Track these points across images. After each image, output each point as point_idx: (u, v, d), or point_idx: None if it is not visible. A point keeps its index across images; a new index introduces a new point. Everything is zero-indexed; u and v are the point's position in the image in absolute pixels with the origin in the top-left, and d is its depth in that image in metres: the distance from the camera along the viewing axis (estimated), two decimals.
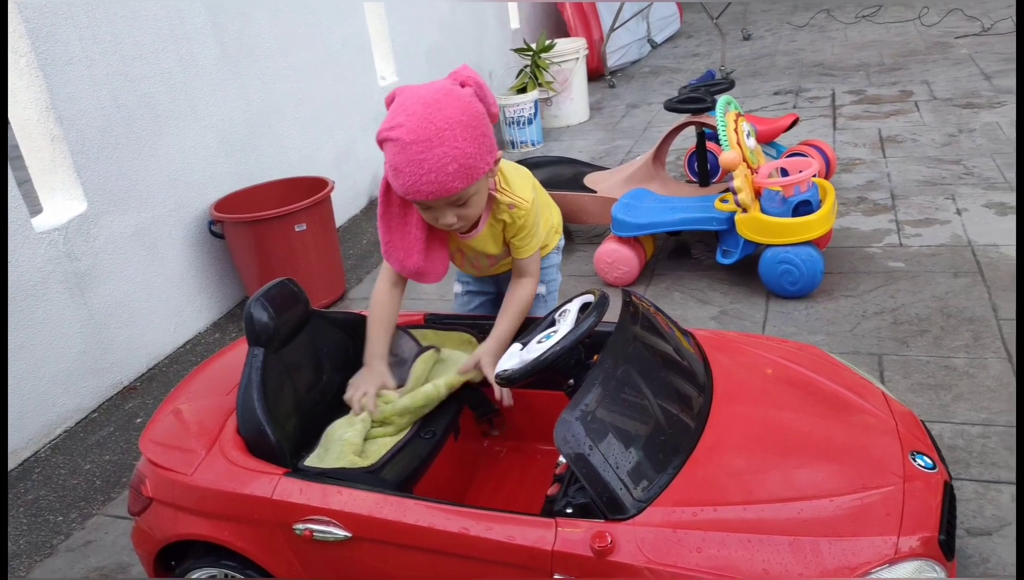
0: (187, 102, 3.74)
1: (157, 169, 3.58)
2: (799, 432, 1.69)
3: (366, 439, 1.94)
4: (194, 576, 1.89)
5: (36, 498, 2.83)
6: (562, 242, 2.42)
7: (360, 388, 1.97)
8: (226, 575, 1.85)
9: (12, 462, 2.98)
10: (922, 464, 1.63)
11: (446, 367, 2.10)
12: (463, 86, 1.80)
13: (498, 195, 1.97)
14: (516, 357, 1.81)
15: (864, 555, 1.42)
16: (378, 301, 2.09)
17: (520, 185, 2.02)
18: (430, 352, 2.11)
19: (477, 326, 2.24)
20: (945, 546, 1.49)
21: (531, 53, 6.04)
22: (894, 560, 1.42)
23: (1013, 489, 2.12)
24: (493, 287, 2.45)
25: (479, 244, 2.08)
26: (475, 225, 2.01)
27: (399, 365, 2.10)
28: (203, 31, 3.83)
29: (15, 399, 2.98)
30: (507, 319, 2.08)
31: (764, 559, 1.41)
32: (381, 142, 1.76)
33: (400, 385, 2.04)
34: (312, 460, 1.88)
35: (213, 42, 3.89)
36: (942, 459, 1.71)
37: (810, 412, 1.75)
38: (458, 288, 2.50)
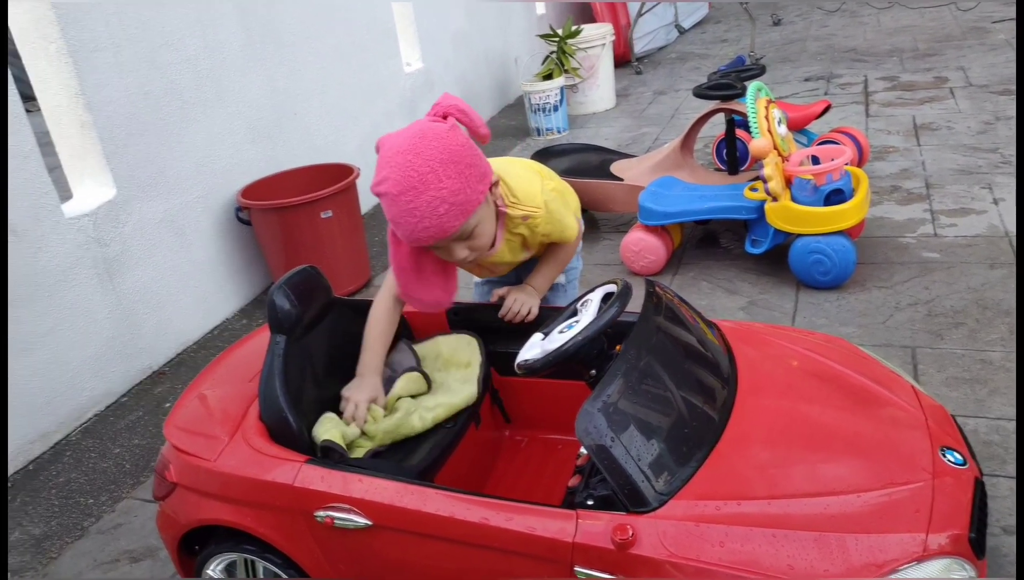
0: (213, 89, 3.76)
1: (184, 156, 3.61)
2: (826, 426, 1.65)
3: (348, 445, 1.90)
4: (216, 562, 1.90)
5: (67, 480, 2.88)
6: (582, 227, 2.37)
7: (351, 400, 1.94)
8: (247, 560, 1.87)
9: (44, 445, 3.04)
10: (952, 460, 1.58)
11: (439, 390, 2.08)
12: (445, 117, 1.76)
13: (509, 210, 1.92)
14: (538, 346, 1.79)
15: (892, 552, 1.38)
16: (377, 316, 2.05)
17: (528, 193, 1.95)
18: (415, 374, 2.07)
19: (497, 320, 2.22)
20: (975, 544, 1.45)
21: (557, 39, 5.98)
22: (922, 558, 1.39)
23: None
24: (514, 278, 2.43)
25: (498, 258, 2.05)
26: (492, 245, 1.96)
27: (391, 380, 2.06)
28: (229, 17, 3.84)
29: (45, 384, 3.03)
30: (545, 267, 2.14)
31: (789, 554, 1.38)
32: (376, 196, 1.74)
33: None
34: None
35: (239, 28, 3.90)
36: (973, 455, 1.67)
37: (837, 406, 1.71)
38: (477, 278, 2.48)
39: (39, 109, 3.21)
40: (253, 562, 1.87)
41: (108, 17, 3.21)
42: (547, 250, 2.17)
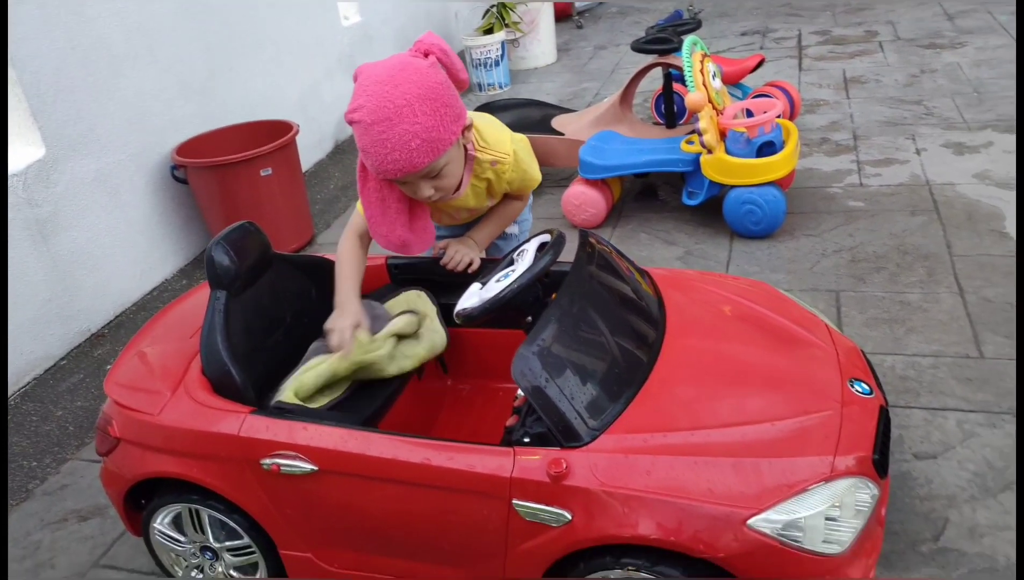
0: (144, 43, 3.66)
1: (116, 112, 3.52)
2: (746, 363, 1.75)
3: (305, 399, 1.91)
4: (162, 514, 1.94)
5: (9, 445, 2.85)
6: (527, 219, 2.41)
7: (335, 329, 1.93)
8: (191, 509, 1.90)
9: None
10: (860, 390, 1.70)
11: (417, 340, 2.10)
12: (426, 55, 1.76)
13: (478, 154, 1.95)
14: (476, 296, 1.84)
15: (802, 474, 1.50)
16: (345, 257, 2.05)
17: (497, 139, 1.98)
18: (410, 316, 2.09)
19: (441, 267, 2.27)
20: (879, 465, 1.57)
21: None
22: (830, 478, 1.50)
23: (958, 415, 2.23)
24: (461, 231, 2.46)
25: (461, 202, 2.06)
26: (457, 188, 1.98)
27: (372, 321, 2.07)
28: None
29: None
30: (489, 223, 2.17)
31: (708, 479, 1.48)
32: (349, 124, 1.75)
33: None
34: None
35: None
36: (879, 385, 1.79)
37: (757, 344, 1.82)
38: None
39: None
40: (197, 510, 1.90)
41: None
42: (496, 206, 2.19)
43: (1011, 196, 3.27)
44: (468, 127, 1.85)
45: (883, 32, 5.72)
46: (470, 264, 2.13)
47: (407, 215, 1.95)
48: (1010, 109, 4.09)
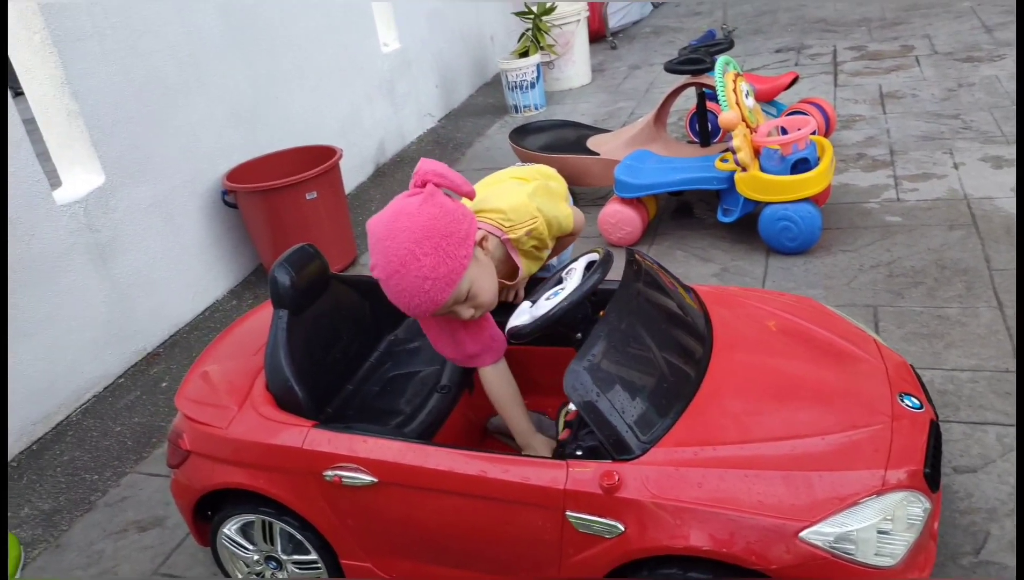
0: (195, 74, 3.82)
1: (169, 141, 3.67)
2: (793, 377, 1.80)
3: None
4: (232, 522, 2.02)
5: (71, 459, 2.97)
6: (578, 214, 2.43)
7: None
8: (264, 522, 1.99)
9: (45, 426, 3.13)
10: (910, 405, 1.74)
11: None
12: (423, 185, 1.78)
13: (511, 233, 1.98)
14: (527, 314, 1.91)
15: (853, 487, 1.54)
16: (498, 388, 2.03)
17: (518, 208, 1.99)
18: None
19: None
20: (930, 479, 1.61)
21: (532, 16, 6.05)
22: (881, 491, 1.54)
23: (998, 430, 2.24)
24: None
25: (527, 274, 2.11)
26: (513, 268, 2.05)
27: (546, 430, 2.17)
28: (207, 3, 3.88)
29: (45, 367, 3.11)
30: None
31: (759, 491, 1.53)
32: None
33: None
34: None
35: (217, 13, 3.95)
36: (929, 400, 1.83)
37: (805, 359, 1.86)
38: None
39: (19, 95, 3.26)
40: (271, 523, 1.99)
41: (91, 6, 3.26)
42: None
43: None
44: (482, 240, 1.87)
45: (919, 46, 5.72)
46: (516, 295, 2.16)
47: (466, 331, 1.97)
48: None
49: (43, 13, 3.06)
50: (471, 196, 1.85)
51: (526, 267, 2.10)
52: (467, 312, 1.86)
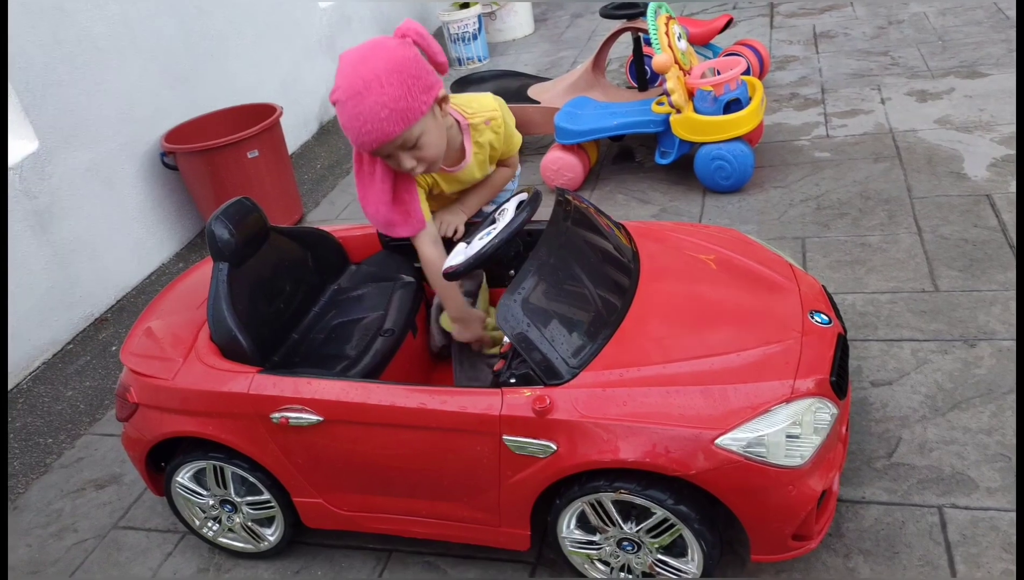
0: (126, 34, 3.74)
1: (104, 104, 3.61)
2: (714, 301, 1.91)
3: None
4: (185, 470, 2.08)
5: (24, 425, 2.99)
6: (515, 184, 2.52)
7: (473, 337, 2.21)
8: (215, 467, 2.05)
9: None
10: (819, 321, 1.86)
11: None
12: (403, 37, 1.89)
13: (471, 120, 2.08)
14: (461, 254, 1.98)
15: (765, 396, 1.65)
16: (433, 265, 2.12)
17: (480, 102, 2.14)
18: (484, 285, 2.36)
19: None
20: (836, 387, 1.73)
21: None
22: (790, 399, 1.66)
23: (912, 345, 2.39)
24: None
25: (467, 174, 2.19)
26: (461, 157, 2.13)
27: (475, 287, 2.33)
28: None
29: None
30: (478, 191, 2.29)
31: (679, 404, 1.64)
32: (333, 105, 1.89)
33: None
34: None
35: None
36: (838, 316, 1.95)
37: (724, 284, 1.97)
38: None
39: None
40: (222, 468, 2.05)
41: None
42: (491, 177, 2.31)
43: (970, 138, 3.42)
44: (443, 99, 1.96)
45: None
46: (456, 230, 2.26)
47: (390, 194, 2.08)
48: (972, 55, 4.23)
49: None
50: (444, 68, 1.96)
51: (471, 169, 2.17)
52: (408, 162, 1.95)
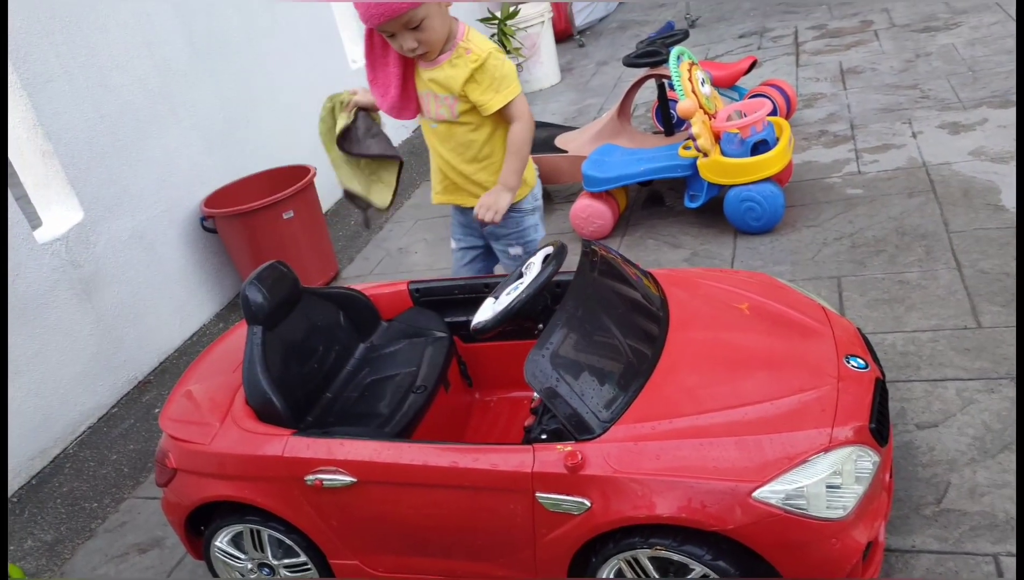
0: (166, 105, 3.90)
1: (145, 172, 3.75)
2: (745, 348, 1.88)
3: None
4: (223, 534, 2.10)
5: (71, 490, 3.05)
6: (537, 203, 2.54)
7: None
8: (252, 530, 2.06)
9: (43, 461, 3.20)
10: (856, 365, 1.82)
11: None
12: None
13: (461, 41, 2.24)
14: (489, 309, 1.99)
15: (802, 446, 1.62)
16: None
17: (479, 41, 2.26)
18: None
19: (458, 286, 2.43)
20: (876, 433, 1.68)
21: (497, 21, 6.14)
22: (829, 448, 1.62)
23: (957, 385, 2.32)
24: (481, 240, 2.63)
25: (440, 75, 2.27)
26: (438, 55, 2.25)
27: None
28: (173, 33, 3.96)
29: (38, 403, 3.19)
30: (508, 162, 2.34)
31: (714, 457, 1.61)
32: None
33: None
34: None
35: (183, 42, 4.03)
36: (876, 360, 1.91)
37: (756, 330, 1.94)
38: (453, 245, 2.70)
39: None
40: (259, 531, 2.06)
41: (58, 48, 3.34)
42: (509, 140, 2.34)
43: (1006, 169, 3.35)
44: None
45: (878, 20, 5.81)
46: (496, 213, 2.29)
47: (400, 79, 2.31)
48: (1004, 84, 4.17)
49: (11, 58, 3.14)
50: None
51: (441, 74, 2.26)
52: (411, 42, 2.15)
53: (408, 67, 2.32)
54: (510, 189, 2.33)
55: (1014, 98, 3.98)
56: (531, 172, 2.50)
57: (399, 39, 2.16)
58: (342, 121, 2.50)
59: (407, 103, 2.37)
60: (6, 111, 2.96)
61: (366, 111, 2.51)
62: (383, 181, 2.59)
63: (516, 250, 2.53)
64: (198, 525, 2.18)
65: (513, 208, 2.40)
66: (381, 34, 2.21)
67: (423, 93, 2.36)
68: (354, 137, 2.51)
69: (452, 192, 2.50)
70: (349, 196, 2.66)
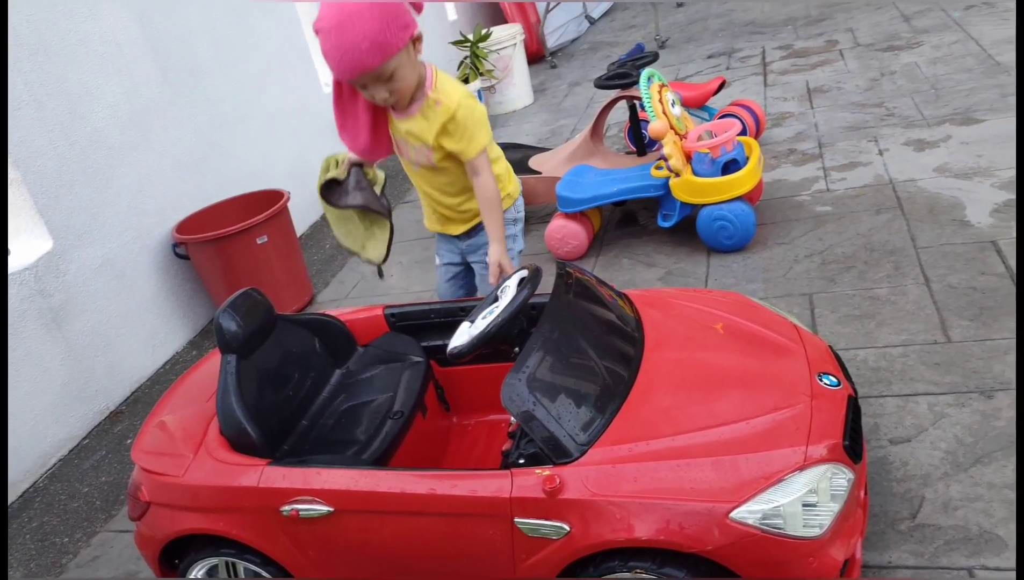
0: (137, 131, 3.87)
1: (116, 200, 3.71)
2: (719, 368, 1.89)
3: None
4: (198, 567, 2.06)
5: (40, 524, 2.98)
6: (518, 214, 2.58)
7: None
8: (228, 563, 2.03)
9: (12, 495, 3.13)
10: (828, 383, 1.84)
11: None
12: None
13: (430, 92, 2.22)
14: (465, 334, 1.99)
15: (777, 465, 1.63)
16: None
17: (449, 90, 2.24)
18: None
19: (434, 310, 2.43)
20: (850, 450, 1.70)
21: (469, 44, 6.19)
22: (804, 466, 1.63)
23: (929, 399, 2.35)
24: (460, 257, 2.65)
25: (414, 127, 2.27)
26: (409, 104, 2.24)
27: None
28: (144, 60, 3.94)
29: (7, 435, 3.12)
30: (486, 220, 2.38)
31: (691, 478, 1.62)
32: (315, 33, 2.06)
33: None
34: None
35: (155, 69, 4.01)
36: (848, 377, 1.93)
37: (729, 350, 1.96)
38: (437, 260, 2.74)
39: None
40: (234, 564, 2.03)
41: (25, 75, 3.30)
42: (478, 196, 2.36)
43: (970, 185, 3.43)
44: (418, 39, 2.13)
45: (843, 40, 5.94)
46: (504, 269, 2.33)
47: (370, 125, 2.31)
48: (965, 102, 4.27)
49: None
50: (420, 8, 2.13)
51: (418, 125, 2.26)
52: (383, 93, 2.14)
53: (378, 112, 2.32)
54: (500, 241, 2.35)
55: (976, 115, 4.08)
56: (515, 184, 2.56)
57: (371, 90, 2.15)
58: (331, 174, 2.56)
59: (378, 146, 2.38)
60: (6, 113, 2.92)
61: (360, 166, 2.56)
62: (375, 237, 2.64)
63: (510, 229, 2.55)
64: (172, 558, 2.14)
65: None
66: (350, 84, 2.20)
67: (399, 140, 2.37)
68: (342, 190, 2.58)
69: (443, 223, 2.56)
70: (351, 252, 2.74)
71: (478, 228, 2.50)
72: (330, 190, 2.60)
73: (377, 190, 2.61)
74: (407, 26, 2.07)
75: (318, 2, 2.13)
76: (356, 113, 2.29)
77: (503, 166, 2.51)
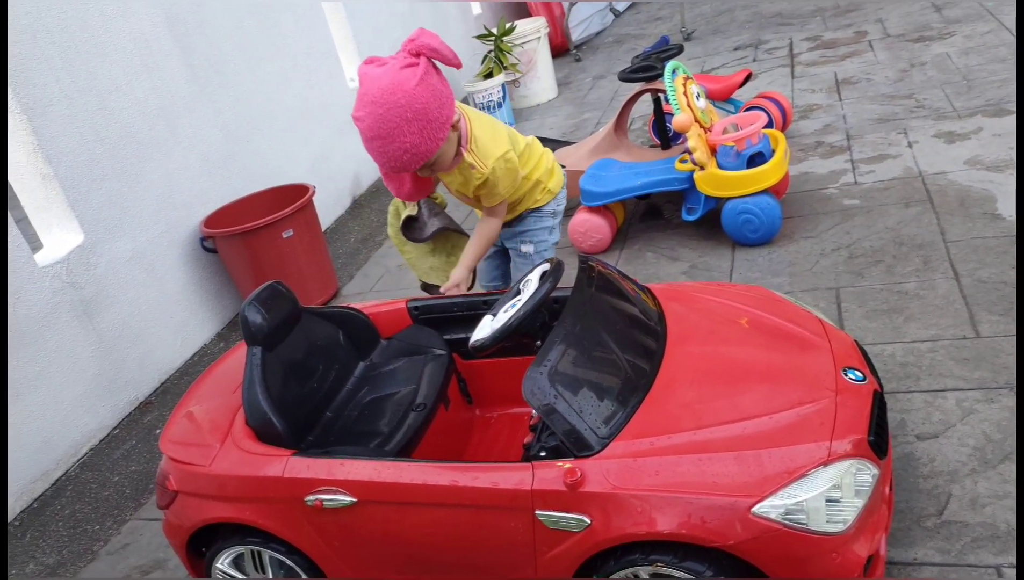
0: (165, 127, 3.92)
1: (145, 194, 3.77)
2: (743, 362, 1.88)
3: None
4: (224, 555, 2.10)
5: (72, 512, 3.04)
6: (558, 208, 2.67)
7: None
8: (253, 551, 2.06)
9: (45, 483, 3.20)
10: (853, 378, 1.82)
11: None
12: (417, 56, 2.06)
13: (465, 154, 2.28)
14: (487, 327, 2.00)
15: (800, 460, 1.62)
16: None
17: (485, 152, 2.30)
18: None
19: (457, 303, 2.44)
20: (875, 446, 1.68)
21: (493, 38, 6.18)
22: (828, 461, 1.62)
23: (957, 395, 2.32)
24: (499, 241, 2.76)
25: (452, 181, 2.43)
26: (450, 166, 2.36)
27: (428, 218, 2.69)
28: (171, 57, 4.00)
29: (40, 425, 3.19)
30: (471, 246, 2.53)
31: (713, 472, 1.61)
32: (355, 121, 2.11)
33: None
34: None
35: (182, 66, 4.06)
36: (873, 372, 1.91)
37: (753, 344, 1.95)
38: None
39: None
40: (260, 552, 2.06)
41: (57, 72, 3.36)
42: (477, 227, 2.51)
43: (1002, 178, 3.37)
44: (455, 125, 2.17)
45: (872, 31, 5.84)
46: (458, 287, 2.48)
47: (412, 178, 2.41)
48: (998, 93, 4.19)
49: (10, 83, 3.17)
50: (460, 66, 2.14)
51: (454, 179, 2.40)
52: (425, 173, 2.30)
53: None
54: (468, 267, 2.52)
55: (1009, 107, 4.00)
56: (556, 179, 2.65)
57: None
58: (405, 212, 2.67)
59: (421, 190, 2.49)
60: (6, 113, 2.98)
61: (427, 199, 2.66)
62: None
63: (527, 248, 2.67)
64: (199, 547, 2.18)
65: (533, 210, 2.59)
66: None
67: (440, 183, 2.51)
68: (419, 225, 2.68)
69: None
70: (428, 289, 2.83)
71: (521, 216, 2.61)
72: (409, 229, 2.70)
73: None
74: (444, 125, 2.12)
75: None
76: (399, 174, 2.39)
77: (549, 158, 2.65)
